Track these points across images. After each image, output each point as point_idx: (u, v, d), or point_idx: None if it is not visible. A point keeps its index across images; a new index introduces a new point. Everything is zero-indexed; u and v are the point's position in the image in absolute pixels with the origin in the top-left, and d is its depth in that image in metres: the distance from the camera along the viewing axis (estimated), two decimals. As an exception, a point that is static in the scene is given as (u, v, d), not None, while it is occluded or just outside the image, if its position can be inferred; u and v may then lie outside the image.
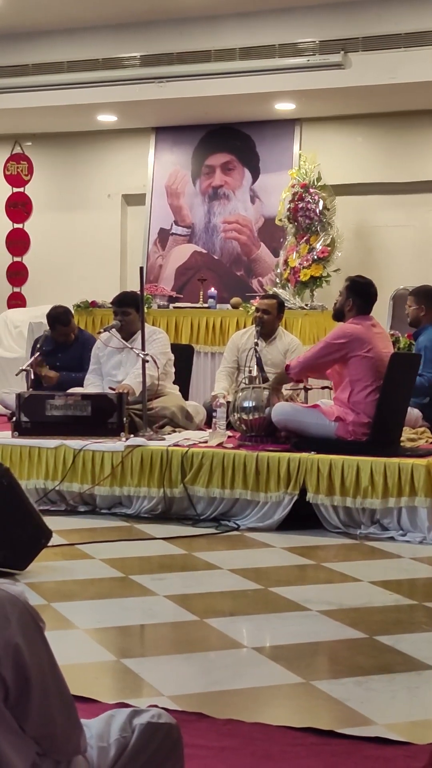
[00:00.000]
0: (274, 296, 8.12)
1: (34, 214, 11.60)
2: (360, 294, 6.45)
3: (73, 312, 8.36)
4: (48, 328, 7.97)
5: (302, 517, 6.09)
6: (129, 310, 7.19)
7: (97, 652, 3.82)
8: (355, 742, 2.95)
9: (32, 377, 7.38)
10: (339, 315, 6.52)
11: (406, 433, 6.72)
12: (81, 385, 7.46)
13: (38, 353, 7.58)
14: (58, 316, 8.04)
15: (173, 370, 7.41)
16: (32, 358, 7.53)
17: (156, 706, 2.49)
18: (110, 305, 7.52)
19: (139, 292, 7.04)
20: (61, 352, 8.03)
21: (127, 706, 2.80)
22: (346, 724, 3.07)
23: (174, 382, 7.42)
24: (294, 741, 2.95)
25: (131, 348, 7.07)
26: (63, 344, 8.05)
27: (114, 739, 2.09)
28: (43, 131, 11.25)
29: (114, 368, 7.34)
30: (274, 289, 9.54)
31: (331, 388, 6.89)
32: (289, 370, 6.53)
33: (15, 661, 1.84)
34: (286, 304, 8.95)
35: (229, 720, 3.08)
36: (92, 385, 7.35)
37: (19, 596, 1.90)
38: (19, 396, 6.85)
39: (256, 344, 7.13)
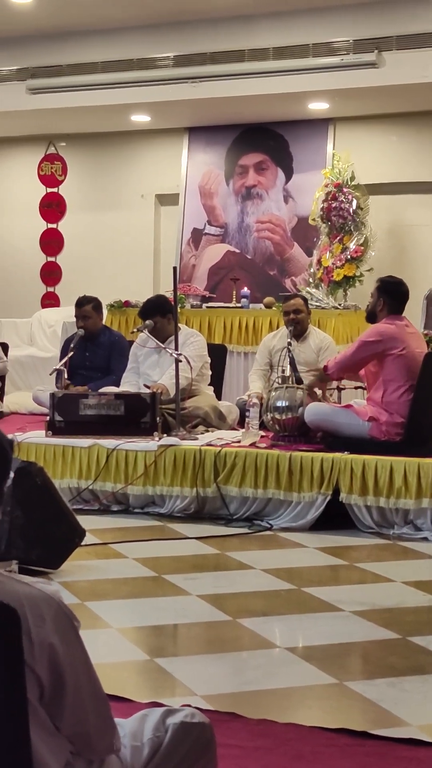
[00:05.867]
0: (299, 294, 8.14)
1: (68, 214, 11.64)
2: (391, 294, 6.43)
3: (101, 306, 8.26)
4: (80, 329, 7.96)
5: (335, 517, 6.08)
6: (155, 318, 7.16)
7: (130, 651, 3.83)
8: (388, 743, 2.94)
9: (64, 377, 7.40)
10: (371, 317, 6.50)
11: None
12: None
13: (71, 353, 7.60)
14: (79, 300, 8.05)
15: (209, 372, 7.40)
16: (65, 358, 7.55)
17: (189, 705, 2.49)
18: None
19: (164, 294, 7.04)
20: (89, 351, 8.04)
21: (160, 705, 2.81)
22: (379, 725, 3.07)
23: (209, 384, 7.42)
24: (327, 742, 2.95)
25: (165, 348, 7.08)
26: (91, 343, 8.02)
27: (147, 738, 2.09)
28: (77, 131, 11.28)
29: (150, 368, 7.35)
30: (307, 288, 9.53)
31: (364, 388, 6.88)
32: (327, 370, 6.54)
33: (50, 660, 1.85)
34: (319, 304, 8.94)
35: (262, 720, 3.08)
36: (129, 383, 7.36)
37: (54, 595, 1.92)
38: (53, 395, 6.88)
39: (289, 344, 7.12)
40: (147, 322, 7.27)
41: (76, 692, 1.90)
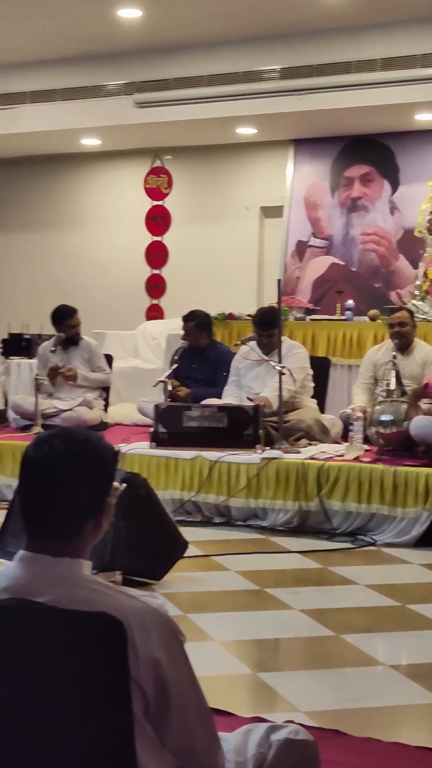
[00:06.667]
0: (404, 307, 8.04)
1: (173, 226, 11.73)
2: None
3: (206, 324, 8.24)
4: (185, 341, 8.00)
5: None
6: (273, 331, 7.13)
7: (232, 665, 3.82)
8: None
9: (169, 389, 7.44)
10: None
11: None
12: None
13: (175, 365, 7.64)
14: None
15: (312, 384, 7.37)
16: (169, 370, 7.60)
17: (292, 721, 2.47)
18: (253, 323, 7.41)
19: (275, 306, 7.03)
20: (196, 363, 8.07)
21: (263, 720, 2.80)
22: None
23: (312, 396, 7.39)
24: (433, 763, 2.90)
25: (269, 361, 7.07)
26: (198, 356, 8.06)
27: (251, 754, 2.08)
28: (182, 144, 11.36)
29: (252, 380, 7.35)
30: (413, 301, 9.42)
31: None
32: (428, 388, 6.46)
33: (155, 674, 1.85)
34: (425, 317, 8.81)
35: (366, 738, 3.04)
36: (231, 396, 7.37)
37: (160, 609, 1.91)
38: (156, 407, 6.92)
39: (394, 357, 7.05)
40: (251, 334, 7.27)
41: (181, 707, 1.89)
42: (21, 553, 1.95)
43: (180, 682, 1.90)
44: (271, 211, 11.20)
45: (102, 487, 1.99)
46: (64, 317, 8.21)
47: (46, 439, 1.97)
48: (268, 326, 7.18)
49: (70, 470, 1.94)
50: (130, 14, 8.95)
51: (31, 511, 1.95)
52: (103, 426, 8.10)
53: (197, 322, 8.05)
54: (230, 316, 9.85)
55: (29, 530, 1.95)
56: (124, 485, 4.56)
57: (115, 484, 2.10)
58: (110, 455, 2.02)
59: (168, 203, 11.76)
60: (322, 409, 7.55)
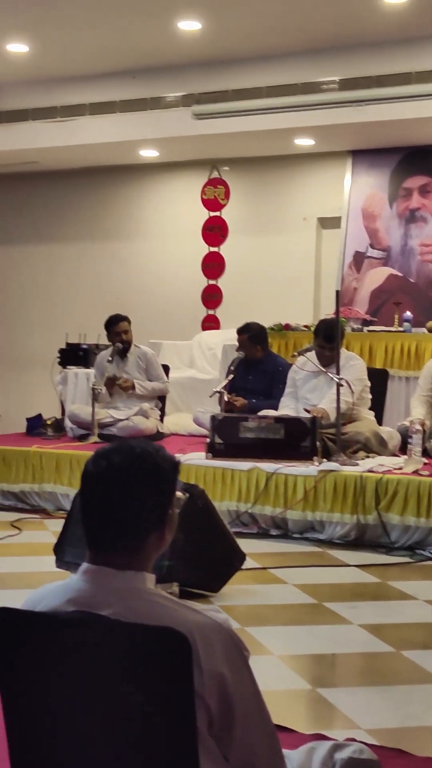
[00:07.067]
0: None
1: (230, 237, 11.72)
2: None
3: (261, 337, 8.20)
4: (240, 352, 7.98)
5: None
6: (334, 345, 7.07)
7: (291, 680, 3.79)
8: None
9: (225, 399, 7.43)
10: None
11: None
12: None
13: (231, 376, 7.62)
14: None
15: (369, 396, 7.32)
16: (225, 381, 7.58)
17: (354, 739, 2.44)
18: (315, 335, 7.32)
19: (334, 317, 6.98)
20: (252, 374, 8.05)
21: (323, 737, 2.77)
22: None
23: (369, 408, 7.33)
24: None
25: (326, 372, 7.03)
26: (255, 367, 8.05)
27: (315, 773, 2.05)
28: (240, 156, 11.36)
29: (309, 392, 7.31)
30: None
31: None
32: None
33: (219, 690, 1.83)
34: None
35: (428, 758, 3.00)
36: (287, 407, 7.33)
37: (224, 624, 1.90)
38: (213, 417, 6.91)
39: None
40: (308, 345, 7.23)
41: (245, 723, 1.87)
42: (84, 565, 1.95)
43: (244, 698, 1.88)
44: (329, 222, 11.15)
45: (163, 498, 1.98)
46: (110, 323, 8.33)
47: (104, 454, 1.97)
48: (333, 339, 7.10)
49: (129, 484, 1.93)
50: (189, 26, 8.97)
51: (94, 525, 1.95)
52: (159, 436, 8.11)
53: (251, 335, 8.04)
54: (287, 327, 9.82)
55: (91, 543, 1.95)
56: (187, 495, 4.56)
57: (178, 493, 2.09)
58: (169, 466, 2.02)
59: (225, 214, 11.75)
60: (379, 422, 7.50)
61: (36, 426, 8.84)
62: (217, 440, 6.85)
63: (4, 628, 1.88)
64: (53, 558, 5.12)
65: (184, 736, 1.79)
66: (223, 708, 1.84)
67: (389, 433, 7.26)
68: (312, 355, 7.24)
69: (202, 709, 1.81)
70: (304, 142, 10.60)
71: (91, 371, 8.89)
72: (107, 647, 1.81)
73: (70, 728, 1.83)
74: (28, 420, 9.04)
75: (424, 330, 9.40)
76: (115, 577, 1.90)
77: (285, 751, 2.04)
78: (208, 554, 4.81)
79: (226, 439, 6.82)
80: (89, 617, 1.84)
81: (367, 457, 6.85)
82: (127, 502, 1.92)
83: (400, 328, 9.54)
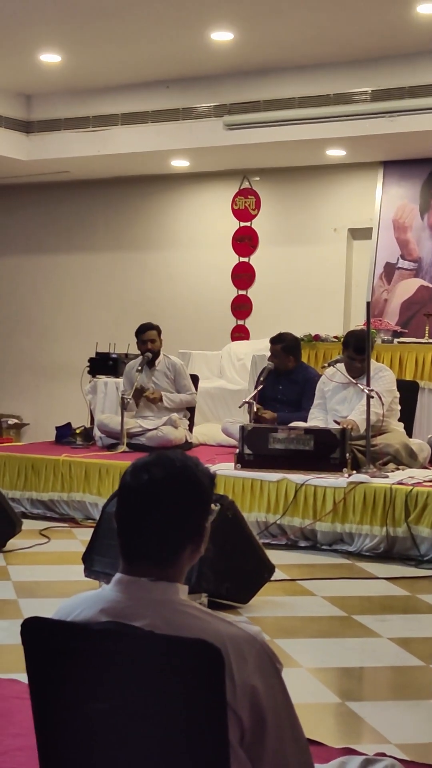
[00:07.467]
0: None
1: (260, 247, 11.71)
2: None
3: (294, 348, 8.18)
4: (271, 362, 7.97)
5: None
6: (364, 356, 7.03)
7: (320, 693, 3.77)
8: None
9: (254, 410, 7.42)
10: None
11: None
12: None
13: (260, 386, 7.61)
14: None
15: (399, 407, 7.28)
16: (255, 391, 7.57)
17: (384, 754, 2.42)
18: (345, 346, 7.26)
19: (364, 328, 6.95)
20: (282, 384, 8.04)
21: (353, 751, 2.75)
22: None
23: (399, 420, 7.30)
24: None
25: (356, 383, 7.00)
26: (285, 378, 8.04)
27: (346, 787, 2.04)
28: (271, 166, 11.37)
29: (339, 403, 7.28)
30: None
31: None
32: None
33: (251, 702, 1.83)
34: None
35: (459, 774, 2.97)
36: (316, 419, 7.31)
37: (257, 636, 1.89)
38: (242, 428, 6.90)
39: None
40: (339, 356, 7.21)
41: (277, 736, 1.87)
42: (118, 576, 1.94)
43: (277, 711, 1.87)
44: (360, 233, 11.13)
45: (200, 513, 1.98)
46: (139, 331, 8.39)
47: (144, 467, 1.96)
48: (362, 350, 7.04)
49: (170, 498, 1.93)
50: (222, 37, 8.99)
51: (130, 536, 1.94)
52: (188, 446, 8.11)
53: (285, 345, 8.02)
54: (316, 338, 9.80)
55: (127, 554, 1.95)
56: (218, 506, 4.56)
57: (212, 505, 2.09)
58: (208, 481, 2.01)
59: (255, 224, 11.75)
60: (409, 434, 7.46)
61: (65, 435, 8.86)
62: (246, 451, 6.84)
63: (36, 638, 1.88)
64: (82, 567, 5.12)
65: (216, 748, 1.78)
66: (255, 720, 1.83)
67: (419, 445, 7.23)
68: (341, 366, 7.22)
69: (234, 722, 1.81)
70: (336, 153, 10.59)
71: (121, 380, 8.90)
72: (140, 658, 1.80)
73: (102, 739, 1.83)
74: (58, 429, 9.06)
75: (455, 342, 9.35)
76: (149, 588, 1.90)
77: (316, 766, 2.02)
78: (237, 565, 4.80)
79: (255, 449, 6.81)
80: (123, 628, 1.83)
81: (397, 469, 6.82)
82: (166, 516, 1.92)
83: (431, 340, 9.50)
